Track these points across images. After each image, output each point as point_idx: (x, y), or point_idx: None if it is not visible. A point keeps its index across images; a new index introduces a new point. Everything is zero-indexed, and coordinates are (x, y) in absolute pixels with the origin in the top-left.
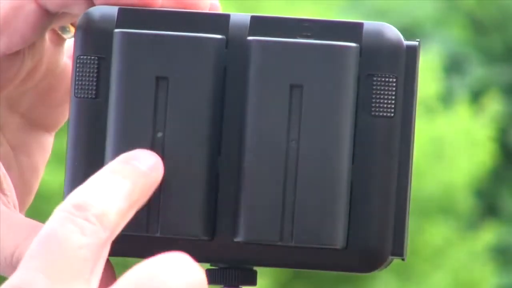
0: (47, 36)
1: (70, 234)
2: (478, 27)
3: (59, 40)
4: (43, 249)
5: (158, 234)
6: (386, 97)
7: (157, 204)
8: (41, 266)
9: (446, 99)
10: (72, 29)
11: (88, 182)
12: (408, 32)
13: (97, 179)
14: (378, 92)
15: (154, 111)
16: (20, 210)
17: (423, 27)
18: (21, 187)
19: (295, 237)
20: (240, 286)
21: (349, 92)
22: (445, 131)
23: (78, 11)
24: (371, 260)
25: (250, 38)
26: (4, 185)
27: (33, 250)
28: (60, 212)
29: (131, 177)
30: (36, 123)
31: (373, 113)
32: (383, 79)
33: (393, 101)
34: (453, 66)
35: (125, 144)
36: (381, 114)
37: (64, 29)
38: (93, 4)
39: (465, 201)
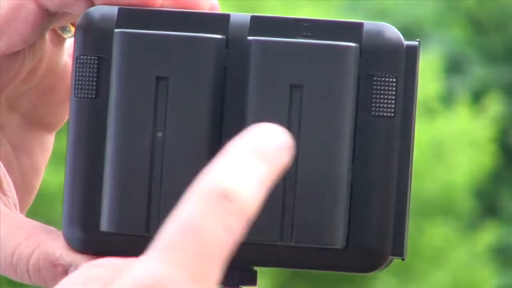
0: (47, 36)
1: (214, 231)
2: (478, 27)
3: (59, 40)
4: (183, 240)
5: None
6: (386, 97)
7: (157, 204)
8: (179, 259)
9: (446, 99)
10: (73, 29)
11: (226, 159)
12: (408, 32)
13: (234, 157)
14: (378, 92)
15: (154, 111)
16: (21, 210)
17: (423, 27)
18: (22, 187)
19: (295, 237)
20: (240, 286)
21: (349, 92)
22: (445, 131)
23: (78, 11)
24: (371, 260)
25: (250, 38)
26: (5, 185)
27: (169, 240)
28: (202, 198)
29: (268, 159)
30: (37, 123)
31: (373, 113)
32: (383, 79)
33: (393, 101)
34: (453, 66)
35: (125, 144)
36: (381, 114)
37: (64, 29)
38: (93, 4)
39: (465, 201)
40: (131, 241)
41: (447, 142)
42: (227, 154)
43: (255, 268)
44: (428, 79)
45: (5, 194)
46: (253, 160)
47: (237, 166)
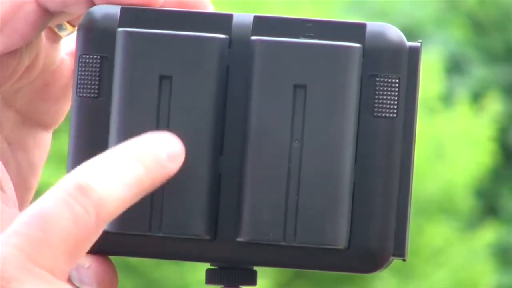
0: (44, 33)
1: (62, 220)
2: (478, 27)
3: (55, 38)
4: (29, 228)
5: (160, 234)
6: (388, 97)
7: (160, 203)
8: (21, 244)
9: (447, 99)
10: (69, 27)
11: (100, 158)
12: (408, 32)
13: (112, 157)
14: (381, 92)
15: (157, 110)
16: (20, 209)
17: (424, 27)
18: (20, 185)
19: (298, 237)
20: (240, 286)
21: (353, 93)
22: (445, 131)
23: (78, 11)
24: (373, 261)
25: (253, 38)
26: (3, 182)
27: (18, 225)
28: (60, 191)
29: (147, 163)
30: (32, 120)
31: (375, 114)
32: (385, 80)
33: (395, 102)
34: (453, 67)
35: None
36: (383, 114)
37: (60, 26)
38: (93, 4)
39: (466, 201)
40: (133, 240)
41: (447, 142)
42: (104, 153)
43: (255, 268)
44: (429, 79)
45: (3, 191)
46: (129, 162)
47: (105, 164)
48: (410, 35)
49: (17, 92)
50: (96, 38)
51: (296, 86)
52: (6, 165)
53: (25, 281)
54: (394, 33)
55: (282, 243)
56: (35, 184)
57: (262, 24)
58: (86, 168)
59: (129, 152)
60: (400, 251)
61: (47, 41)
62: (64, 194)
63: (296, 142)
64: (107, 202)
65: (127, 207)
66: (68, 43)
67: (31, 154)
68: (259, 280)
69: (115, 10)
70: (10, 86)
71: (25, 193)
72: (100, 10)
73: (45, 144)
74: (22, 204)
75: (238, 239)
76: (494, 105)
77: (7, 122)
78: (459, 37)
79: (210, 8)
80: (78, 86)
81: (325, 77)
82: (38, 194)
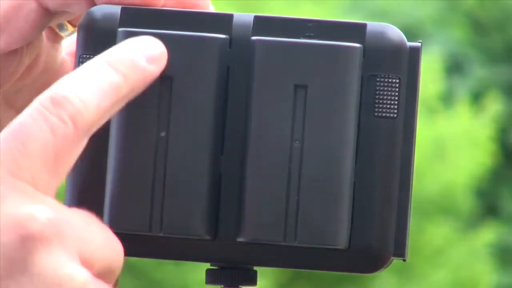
0: (45, 33)
1: (39, 133)
2: (478, 27)
3: (56, 38)
4: (9, 143)
5: (161, 234)
6: (389, 97)
7: (160, 203)
8: (3, 160)
9: (447, 99)
10: (70, 27)
11: (76, 71)
12: (408, 32)
13: (86, 68)
14: (381, 92)
15: (158, 110)
16: None
17: (424, 27)
18: None
19: (299, 237)
20: (240, 286)
21: (353, 93)
22: (445, 131)
23: (78, 10)
24: (373, 261)
25: (254, 38)
26: None
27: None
28: (36, 105)
29: (124, 70)
30: None
31: (376, 114)
32: (386, 80)
33: (396, 102)
34: (453, 67)
35: (129, 143)
36: (384, 114)
37: (61, 26)
38: (93, 4)
39: (465, 201)
40: (133, 240)
41: (447, 142)
42: (79, 67)
43: (255, 268)
44: (429, 79)
45: None
46: (103, 69)
47: (79, 76)
48: (410, 35)
49: (18, 92)
50: (96, 38)
51: (297, 86)
52: None
53: (7, 195)
54: (395, 33)
55: (283, 243)
56: None
57: (263, 24)
58: (59, 82)
59: (103, 60)
60: (400, 251)
61: (48, 41)
62: (40, 108)
63: (297, 142)
64: (83, 110)
65: (108, 116)
66: (69, 44)
67: None
68: (259, 280)
69: (116, 10)
70: (11, 86)
71: None
72: (100, 10)
73: None
74: None
75: (239, 239)
76: (494, 105)
77: (7, 121)
78: (459, 37)
79: (211, 8)
80: None
81: (325, 77)
82: None
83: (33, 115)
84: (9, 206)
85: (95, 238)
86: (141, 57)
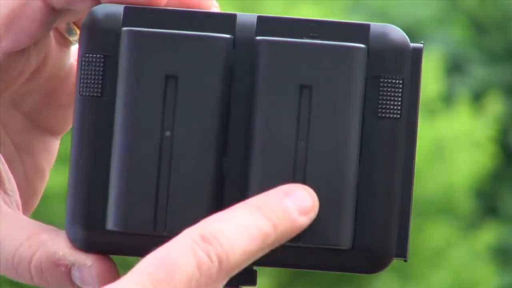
0: (53, 38)
1: (186, 266)
2: (479, 27)
3: (65, 42)
4: (154, 268)
5: (165, 233)
6: (392, 98)
7: (164, 203)
8: (143, 283)
9: (447, 99)
10: (78, 31)
11: (227, 211)
12: (409, 33)
13: (235, 210)
14: (385, 93)
15: (163, 109)
16: (25, 212)
17: (424, 27)
18: (25, 188)
19: (302, 237)
20: (240, 286)
21: (357, 93)
22: (445, 131)
23: (83, 9)
24: (376, 261)
25: (258, 38)
26: (7, 185)
27: (145, 264)
28: (187, 238)
29: (275, 219)
30: (40, 125)
31: (379, 114)
32: (389, 81)
33: (399, 103)
34: (454, 67)
35: (133, 142)
36: (387, 115)
37: (70, 31)
38: (98, 2)
39: (466, 202)
40: (137, 240)
41: (448, 142)
42: (230, 208)
43: (255, 268)
44: (429, 79)
45: (7, 194)
46: (254, 215)
47: (230, 217)
48: (410, 35)
49: (25, 95)
50: (99, 37)
51: (302, 86)
52: (12, 167)
53: None
54: (398, 34)
55: (287, 243)
56: (41, 189)
57: (266, 24)
58: (214, 219)
59: (255, 205)
60: (401, 252)
61: (56, 45)
62: (190, 242)
63: (302, 142)
64: (229, 252)
65: (251, 260)
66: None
67: (38, 159)
68: (259, 280)
69: (119, 9)
70: (19, 89)
71: (30, 197)
72: (103, 9)
73: (53, 149)
74: (26, 207)
75: None
76: (494, 106)
77: (14, 124)
78: (459, 37)
79: (214, 8)
80: (81, 85)
81: (330, 77)
82: (43, 198)
83: (181, 247)
84: None
85: None
86: (293, 207)
